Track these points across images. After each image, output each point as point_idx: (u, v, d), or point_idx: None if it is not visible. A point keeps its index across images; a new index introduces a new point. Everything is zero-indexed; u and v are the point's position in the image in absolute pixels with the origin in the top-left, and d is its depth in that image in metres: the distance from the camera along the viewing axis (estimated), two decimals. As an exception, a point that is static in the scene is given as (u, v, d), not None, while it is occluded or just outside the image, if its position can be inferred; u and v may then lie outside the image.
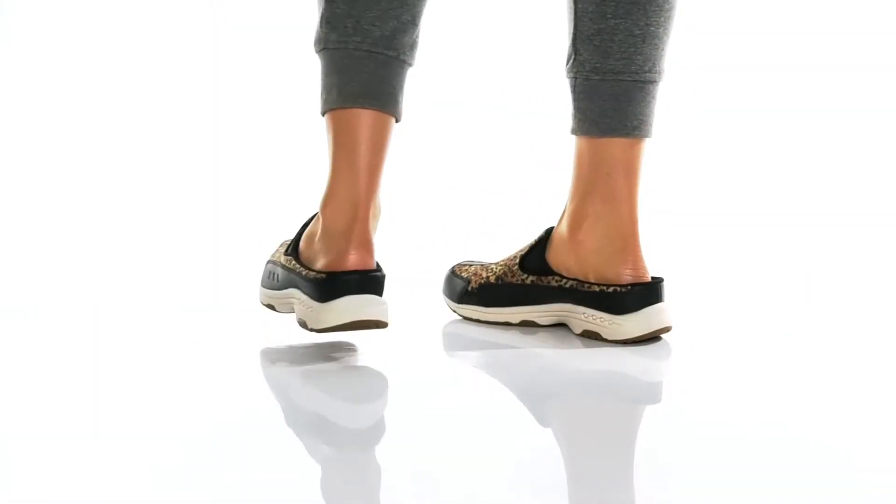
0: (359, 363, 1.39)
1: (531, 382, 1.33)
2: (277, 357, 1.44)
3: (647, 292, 1.43)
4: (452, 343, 1.46)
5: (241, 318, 1.69)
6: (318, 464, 1.06)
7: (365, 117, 1.42)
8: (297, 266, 1.43)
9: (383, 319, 1.38)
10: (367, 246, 1.40)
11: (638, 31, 1.45)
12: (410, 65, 1.45)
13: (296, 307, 1.43)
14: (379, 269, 1.40)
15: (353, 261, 1.39)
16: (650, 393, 1.33)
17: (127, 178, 2.67)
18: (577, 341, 1.45)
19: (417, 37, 1.45)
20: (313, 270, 1.40)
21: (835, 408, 1.21)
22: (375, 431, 1.17)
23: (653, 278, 1.45)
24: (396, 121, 1.45)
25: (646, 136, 1.47)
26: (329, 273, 1.38)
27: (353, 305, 1.36)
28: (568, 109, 1.49)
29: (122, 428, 1.15)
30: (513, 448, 1.10)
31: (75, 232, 2.48)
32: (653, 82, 1.46)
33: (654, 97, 1.47)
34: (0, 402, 1.27)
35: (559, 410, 1.23)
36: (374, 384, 1.35)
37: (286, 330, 1.54)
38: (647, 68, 1.45)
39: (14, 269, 2.18)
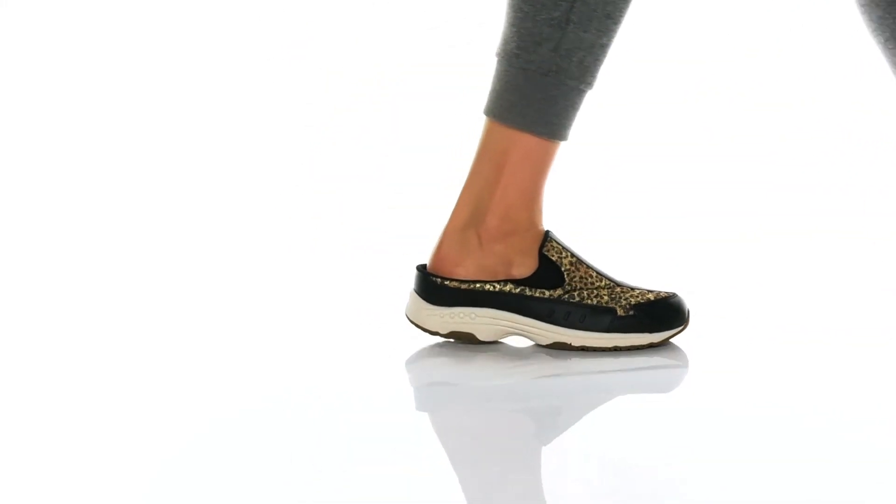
0: (364, 363, 1.38)
1: (545, 385, 1.33)
2: (280, 356, 1.44)
3: None
4: (462, 346, 1.46)
5: (244, 319, 1.69)
6: (320, 464, 1.06)
7: (490, 130, 1.37)
8: None
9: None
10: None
11: None
12: (564, 82, 1.34)
13: None
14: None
15: None
16: (659, 395, 1.32)
17: (126, 177, 2.67)
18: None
19: (571, 51, 1.33)
20: None
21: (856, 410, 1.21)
22: (379, 431, 1.17)
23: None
24: (556, 139, 1.36)
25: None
26: None
27: None
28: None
29: (122, 428, 1.15)
30: (529, 448, 1.10)
31: (75, 232, 2.48)
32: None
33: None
34: (0, 402, 1.27)
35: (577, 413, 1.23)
36: (379, 384, 1.34)
37: (287, 330, 1.54)
38: None
39: (14, 269, 2.18)
